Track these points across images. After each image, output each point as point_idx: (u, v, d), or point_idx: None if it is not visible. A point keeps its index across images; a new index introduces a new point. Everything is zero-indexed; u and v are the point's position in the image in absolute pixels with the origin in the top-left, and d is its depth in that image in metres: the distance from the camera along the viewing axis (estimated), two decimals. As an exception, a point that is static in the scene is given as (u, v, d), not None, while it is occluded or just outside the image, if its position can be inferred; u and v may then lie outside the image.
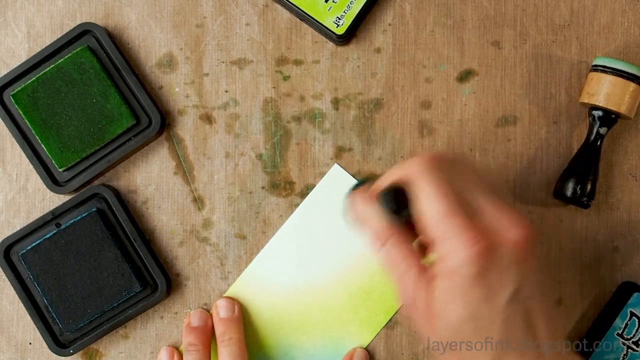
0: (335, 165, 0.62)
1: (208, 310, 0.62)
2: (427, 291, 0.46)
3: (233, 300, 0.62)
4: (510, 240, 0.45)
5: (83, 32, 0.62)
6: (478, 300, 0.44)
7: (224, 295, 0.62)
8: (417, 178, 0.46)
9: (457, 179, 0.46)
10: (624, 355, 0.59)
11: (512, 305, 0.44)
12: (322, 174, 0.62)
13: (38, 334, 0.62)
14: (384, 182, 0.49)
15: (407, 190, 0.47)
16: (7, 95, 0.62)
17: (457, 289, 0.44)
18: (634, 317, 0.59)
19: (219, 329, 0.60)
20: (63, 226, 0.61)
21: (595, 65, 0.59)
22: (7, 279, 0.62)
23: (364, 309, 0.61)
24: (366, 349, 0.61)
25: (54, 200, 0.63)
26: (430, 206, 0.45)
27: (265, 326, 0.62)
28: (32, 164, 0.62)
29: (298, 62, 0.63)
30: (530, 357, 0.45)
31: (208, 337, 0.61)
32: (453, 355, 0.46)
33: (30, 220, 0.63)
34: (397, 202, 0.47)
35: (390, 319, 0.62)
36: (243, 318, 0.62)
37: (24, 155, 0.62)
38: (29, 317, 0.62)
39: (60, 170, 0.61)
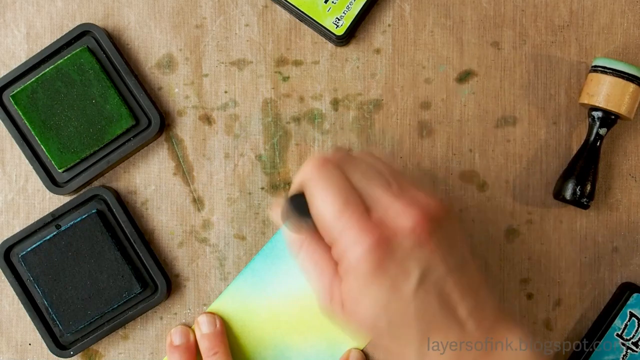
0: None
1: (189, 326, 0.62)
2: (338, 291, 0.45)
3: (214, 314, 0.61)
4: (403, 227, 0.44)
5: (82, 33, 0.62)
6: (384, 293, 0.44)
7: (229, 284, 0.62)
8: (309, 182, 0.46)
9: (348, 177, 0.46)
10: (624, 355, 0.60)
11: (421, 291, 0.44)
12: (321, 175, 0.62)
13: (38, 335, 0.62)
14: (291, 190, 0.49)
15: (306, 195, 0.47)
16: (7, 96, 0.62)
17: (361, 286, 0.44)
18: (633, 318, 0.60)
19: (203, 345, 0.60)
20: (63, 228, 0.61)
21: (595, 66, 0.59)
22: (7, 281, 0.62)
23: (363, 310, 0.62)
24: (365, 350, 0.62)
25: (54, 201, 0.63)
26: (322, 208, 0.45)
27: (262, 326, 0.62)
28: (32, 164, 0.62)
29: (297, 63, 0.63)
30: (455, 337, 0.44)
31: (192, 353, 0.61)
32: (383, 340, 0.45)
33: (30, 220, 0.63)
34: (302, 208, 0.47)
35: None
36: (241, 319, 0.62)
37: (23, 156, 0.62)
38: (28, 318, 0.62)
39: (59, 171, 0.61)
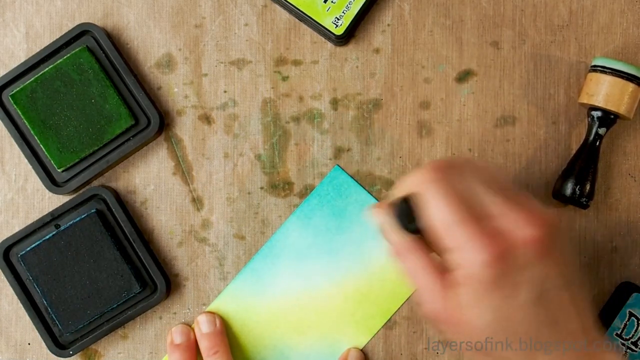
0: (336, 166, 0.62)
1: (189, 325, 0.62)
2: (450, 298, 0.46)
3: (214, 314, 0.62)
4: (524, 240, 0.44)
5: (82, 33, 0.62)
6: (501, 302, 0.44)
7: (225, 288, 0.62)
8: (423, 190, 0.46)
9: (465, 184, 0.46)
10: (623, 355, 0.59)
11: (536, 303, 0.44)
12: (321, 175, 0.62)
13: (37, 335, 0.62)
14: (395, 194, 0.49)
15: (416, 202, 0.47)
16: (6, 96, 0.62)
17: (478, 295, 0.44)
18: (632, 318, 0.60)
19: (203, 344, 0.60)
20: (62, 227, 0.61)
21: (594, 66, 0.59)
22: (6, 280, 0.62)
23: (360, 310, 0.62)
24: (364, 349, 0.62)
25: (53, 200, 0.63)
26: (439, 217, 0.45)
27: (262, 326, 0.62)
28: (31, 164, 0.62)
29: (297, 63, 0.63)
30: (560, 355, 0.45)
31: (193, 352, 0.61)
32: (485, 356, 0.46)
33: (29, 220, 0.63)
34: (409, 214, 0.47)
35: (388, 320, 0.62)
36: (241, 318, 0.62)
37: (22, 155, 0.62)
38: (28, 318, 0.62)
39: (59, 170, 0.61)
